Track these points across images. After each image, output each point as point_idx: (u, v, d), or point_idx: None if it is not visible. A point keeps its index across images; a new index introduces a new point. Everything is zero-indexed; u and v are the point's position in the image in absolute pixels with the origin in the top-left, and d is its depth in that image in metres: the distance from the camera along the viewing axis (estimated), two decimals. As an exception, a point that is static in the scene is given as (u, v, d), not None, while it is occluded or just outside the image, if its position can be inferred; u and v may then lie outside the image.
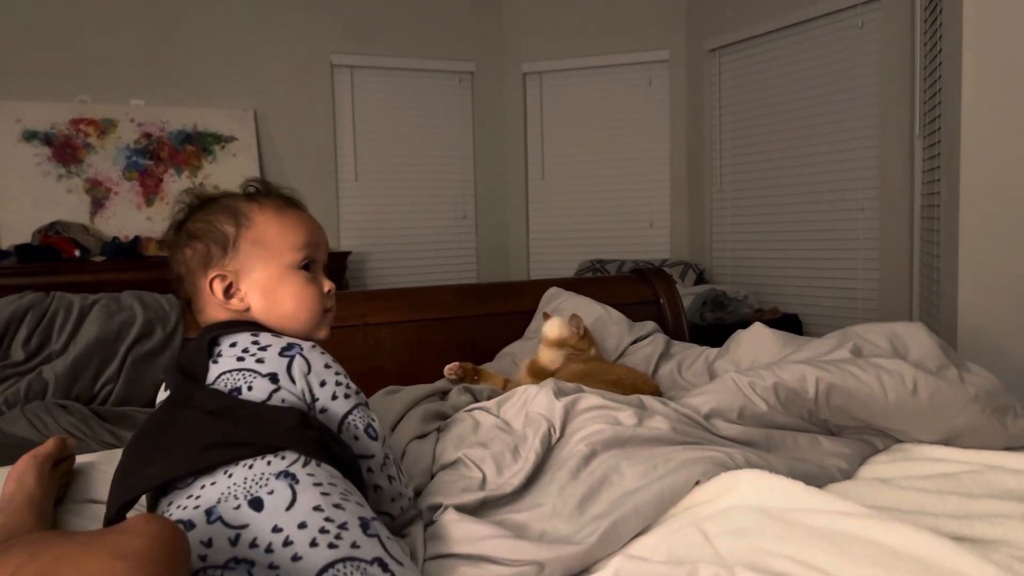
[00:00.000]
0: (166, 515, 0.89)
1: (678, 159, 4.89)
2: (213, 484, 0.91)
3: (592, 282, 2.59)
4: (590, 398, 1.45)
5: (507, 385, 1.92)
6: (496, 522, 1.13)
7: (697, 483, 1.15)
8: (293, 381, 1.05)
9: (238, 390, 1.03)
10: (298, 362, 1.07)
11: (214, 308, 1.16)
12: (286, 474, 0.92)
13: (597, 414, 1.40)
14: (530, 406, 1.47)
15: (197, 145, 4.26)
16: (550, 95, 5.11)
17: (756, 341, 1.87)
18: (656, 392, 1.81)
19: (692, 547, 1.00)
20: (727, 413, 1.42)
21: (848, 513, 0.99)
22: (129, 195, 4.09)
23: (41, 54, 4.00)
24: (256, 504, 0.88)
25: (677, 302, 2.56)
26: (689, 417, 1.42)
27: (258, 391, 1.03)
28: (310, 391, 1.06)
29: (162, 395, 1.12)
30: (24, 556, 0.74)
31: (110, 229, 4.00)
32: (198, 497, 0.90)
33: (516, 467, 1.29)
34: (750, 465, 1.20)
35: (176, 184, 4.18)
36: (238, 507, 0.88)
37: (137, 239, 3.96)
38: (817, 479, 1.23)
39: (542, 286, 2.45)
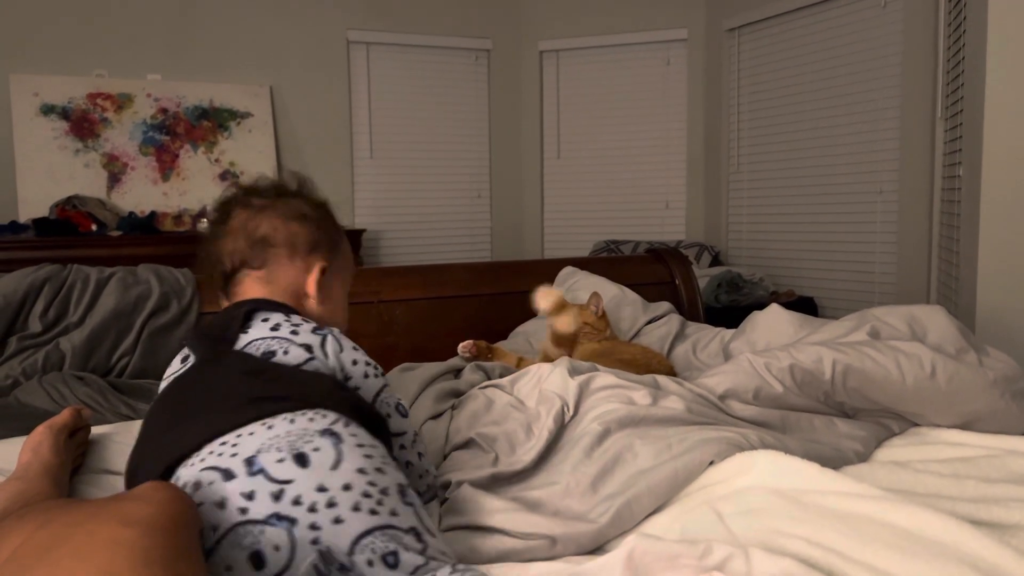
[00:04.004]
0: (200, 462, 0.87)
1: (695, 139, 4.85)
2: (251, 435, 0.89)
3: (607, 262, 2.58)
4: (604, 377, 1.45)
5: (520, 363, 1.92)
6: (510, 498, 1.13)
7: (711, 463, 1.14)
8: (326, 356, 1.07)
9: (272, 353, 1.04)
10: (331, 340, 1.09)
11: (283, 280, 1.19)
12: (330, 432, 0.91)
13: (611, 393, 1.40)
14: (544, 384, 1.47)
15: (213, 121, 4.26)
16: (567, 73, 5.07)
17: (772, 322, 1.85)
18: (671, 372, 1.80)
19: (706, 527, 1.00)
20: (742, 394, 1.41)
21: (863, 495, 0.98)
22: (145, 170, 4.09)
23: (58, 28, 4.00)
24: (301, 459, 0.86)
25: (693, 283, 2.54)
26: (704, 397, 1.41)
27: (292, 357, 1.04)
28: (342, 369, 1.08)
29: (176, 365, 1.12)
30: (37, 523, 0.75)
31: (126, 204, 4.01)
32: (235, 445, 0.88)
33: (529, 444, 1.29)
34: (765, 446, 1.19)
35: (192, 160, 4.18)
36: (282, 460, 0.86)
37: (153, 214, 3.97)
38: (832, 461, 1.22)
39: (557, 265, 2.44)
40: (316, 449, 0.88)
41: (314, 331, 1.10)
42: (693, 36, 4.78)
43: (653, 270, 2.55)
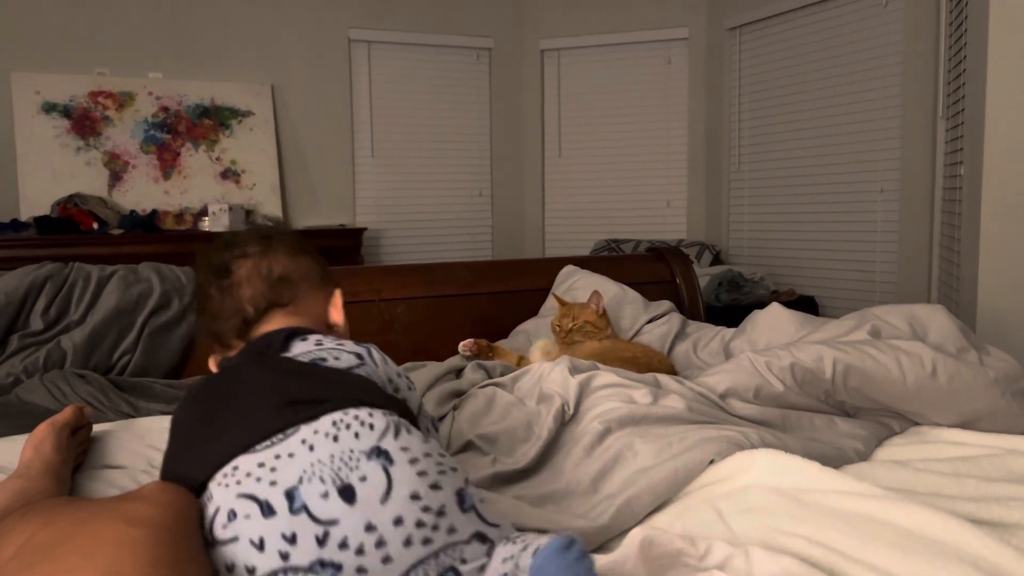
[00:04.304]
0: (236, 484, 0.81)
1: (696, 138, 4.85)
2: (292, 456, 0.82)
3: (608, 260, 2.58)
4: (605, 376, 1.45)
5: (521, 362, 1.92)
6: (511, 497, 1.13)
7: (712, 462, 1.14)
8: (376, 364, 1.04)
9: (322, 360, 0.99)
10: (376, 350, 1.07)
11: (311, 312, 1.17)
12: (378, 452, 0.83)
13: (612, 392, 1.40)
14: (544, 383, 1.47)
15: (214, 119, 4.26)
16: (568, 72, 5.07)
17: (773, 321, 1.86)
18: (671, 371, 1.80)
19: (706, 526, 1.00)
20: (743, 393, 1.41)
21: (864, 494, 0.98)
22: (147, 168, 4.09)
23: (60, 26, 4.00)
24: (347, 494, 0.79)
25: (693, 282, 2.54)
26: (704, 396, 1.41)
27: (344, 362, 1.00)
28: (391, 380, 1.05)
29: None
30: (42, 521, 0.75)
31: (128, 202, 4.01)
32: (274, 470, 0.81)
33: (529, 444, 1.29)
34: (765, 445, 1.19)
35: (193, 158, 4.18)
36: (326, 495, 0.79)
37: (154, 212, 3.98)
38: (833, 460, 1.22)
39: (557, 264, 2.44)
40: (363, 479, 0.81)
41: (357, 343, 1.07)
42: (694, 35, 4.78)
43: (654, 269, 2.55)
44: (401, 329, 2.14)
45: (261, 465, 0.82)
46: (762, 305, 2.02)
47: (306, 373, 0.95)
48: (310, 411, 0.87)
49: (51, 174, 3.88)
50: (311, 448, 0.83)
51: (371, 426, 0.86)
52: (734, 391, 1.42)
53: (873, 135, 3.83)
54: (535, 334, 2.18)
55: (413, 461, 0.84)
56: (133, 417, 1.55)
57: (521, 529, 1.03)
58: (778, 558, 0.86)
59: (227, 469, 0.83)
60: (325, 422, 0.86)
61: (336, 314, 1.20)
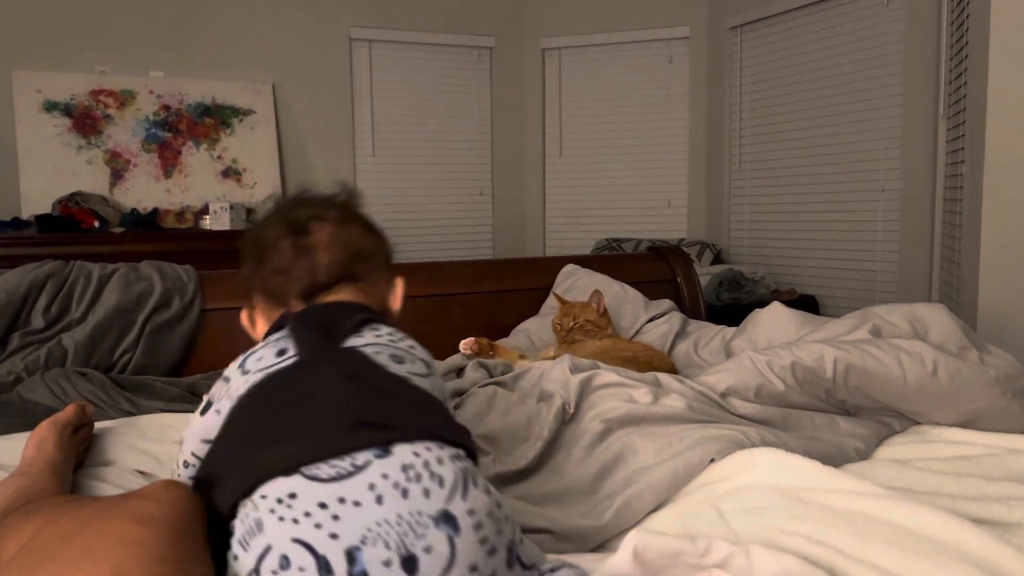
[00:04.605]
0: (292, 523, 0.75)
1: (697, 137, 4.85)
2: (357, 506, 0.76)
3: (609, 259, 2.58)
4: (606, 375, 1.45)
5: (522, 360, 1.92)
6: (512, 497, 1.14)
7: (712, 461, 1.14)
8: (436, 374, 0.99)
9: (398, 359, 0.95)
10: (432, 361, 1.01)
11: (377, 294, 1.14)
12: (446, 517, 0.78)
13: (612, 391, 1.40)
14: (545, 382, 1.47)
15: (216, 118, 4.26)
16: (569, 71, 5.07)
17: (774, 320, 1.86)
18: (672, 370, 1.80)
19: (707, 525, 1.00)
20: (744, 392, 1.41)
21: (865, 493, 0.98)
22: (148, 167, 4.09)
23: (61, 25, 4.00)
24: (410, 565, 0.74)
25: (694, 281, 2.54)
26: (705, 395, 1.41)
27: (414, 369, 0.96)
28: (445, 398, 0.99)
29: (270, 358, 0.95)
30: (45, 519, 0.75)
31: (129, 201, 4.01)
32: (336, 519, 0.75)
33: (529, 443, 1.29)
34: (766, 444, 1.19)
35: (194, 157, 4.18)
36: (388, 563, 0.73)
37: (156, 211, 3.98)
38: (833, 459, 1.22)
39: (558, 263, 2.44)
40: (428, 550, 0.75)
41: (422, 347, 1.02)
42: (695, 34, 4.78)
43: (655, 268, 2.56)
44: (402, 327, 2.13)
45: (323, 506, 0.75)
46: (763, 304, 2.02)
47: (379, 384, 0.90)
48: (381, 437, 0.81)
49: (52, 172, 3.88)
50: (378, 500, 0.77)
51: (440, 480, 0.80)
52: (735, 390, 1.42)
53: (874, 134, 3.83)
54: (536, 332, 2.18)
55: (477, 527, 0.79)
56: (134, 415, 1.55)
57: (523, 529, 1.03)
58: (778, 557, 0.87)
59: (283, 493, 0.76)
60: (395, 464, 0.79)
61: (396, 302, 1.17)
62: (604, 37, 4.93)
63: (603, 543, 1.05)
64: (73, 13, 4.02)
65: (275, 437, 0.82)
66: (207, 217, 3.91)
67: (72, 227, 3.55)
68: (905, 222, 3.68)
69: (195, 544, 0.75)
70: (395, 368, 0.94)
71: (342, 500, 0.76)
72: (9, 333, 1.82)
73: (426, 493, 0.78)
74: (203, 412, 0.97)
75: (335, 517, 0.75)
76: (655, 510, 1.10)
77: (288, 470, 0.78)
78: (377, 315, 1.05)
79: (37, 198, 3.80)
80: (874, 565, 0.85)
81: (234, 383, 0.94)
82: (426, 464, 0.80)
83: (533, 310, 2.32)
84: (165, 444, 1.35)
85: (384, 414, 0.84)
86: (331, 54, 4.58)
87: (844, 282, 4.04)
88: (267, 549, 0.74)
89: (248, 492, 0.78)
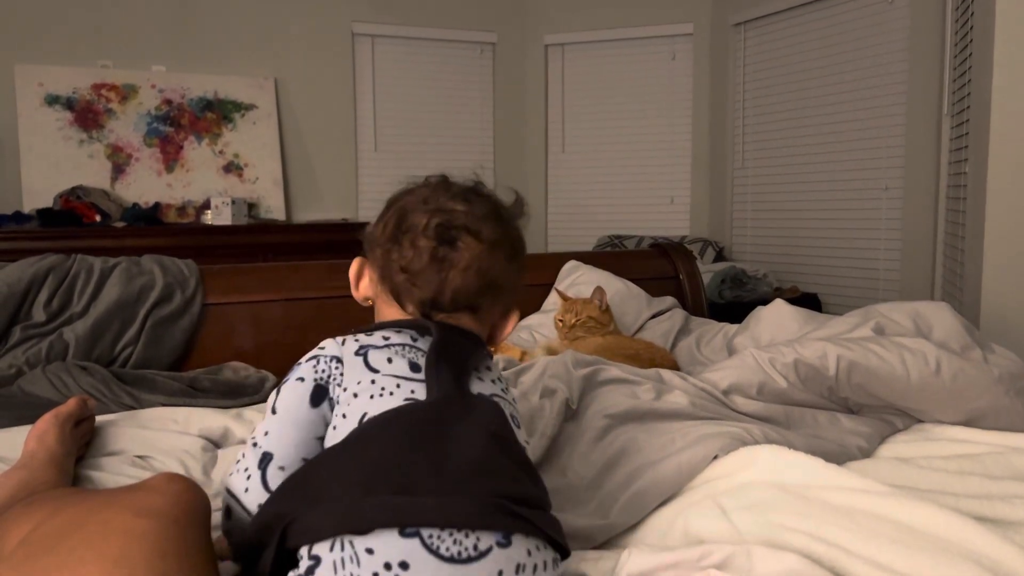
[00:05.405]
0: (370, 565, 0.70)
1: (700, 135, 4.84)
2: None
3: (611, 256, 2.58)
4: (609, 371, 1.45)
5: (524, 357, 1.92)
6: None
7: (715, 458, 1.14)
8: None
9: (515, 420, 0.92)
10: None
11: (487, 324, 1.04)
12: None
13: (615, 387, 1.40)
14: (547, 378, 1.47)
15: (218, 112, 4.26)
16: (572, 67, 5.06)
17: (776, 318, 1.85)
18: (674, 367, 1.80)
19: (709, 521, 1.00)
20: (746, 389, 1.41)
21: (867, 491, 0.98)
22: (150, 161, 4.09)
23: (63, 19, 4.00)
24: None
25: (697, 278, 2.54)
26: (708, 392, 1.41)
27: (523, 436, 0.93)
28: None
29: (403, 369, 0.89)
30: (47, 511, 0.75)
31: (130, 195, 4.01)
32: None
33: (534, 440, 1.29)
34: (768, 441, 1.19)
35: (196, 151, 4.18)
36: None
37: (157, 205, 3.98)
38: (836, 457, 1.22)
39: (560, 259, 2.44)
40: None
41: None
42: (699, 31, 4.77)
43: (657, 265, 2.55)
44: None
45: None
46: (765, 302, 2.01)
47: (517, 457, 0.85)
48: (508, 524, 0.76)
49: (54, 166, 3.88)
50: None
51: (544, 565, 0.78)
52: (737, 387, 1.42)
53: (877, 132, 3.82)
54: (538, 329, 2.18)
55: None
56: (135, 409, 1.55)
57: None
58: (780, 555, 0.86)
59: (395, 560, 0.70)
60: (511, 560, 0.75)
61: (502, 336, 1.07)
62: (607, 33, 4.92)
63: (608, 539, 1.05)
64: (75, 7, 4.02)
65: (401, 485, 0.75)
66: (209, 212, 3.91)
67: (73, 221, 3.55)
68: (908, 220, 3.68)
69: (198, 537, 0.74)
70: (518, 434, 0.89)
71: None
72: (10, 326, 1.82)
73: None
74: (315, 401, 0.89)
75: None
76: (658, 506, 1.10)
77: (407, 528, 0.71)
78: (489, 356, 1.00)
79: (39, 192, 3.80)
80: (877, 563, 0.85)
81: (353, 373, 0.88)
82: (535, 568, 0.77)
83: (535, 307, 2.31)
84: (166, 436, 1.36)
85: (521, 496, 0.79)
86: (334, 49, 4.58)
87: (847, 280, 4.03)
88: None
89: (342, 531, 0.71)
